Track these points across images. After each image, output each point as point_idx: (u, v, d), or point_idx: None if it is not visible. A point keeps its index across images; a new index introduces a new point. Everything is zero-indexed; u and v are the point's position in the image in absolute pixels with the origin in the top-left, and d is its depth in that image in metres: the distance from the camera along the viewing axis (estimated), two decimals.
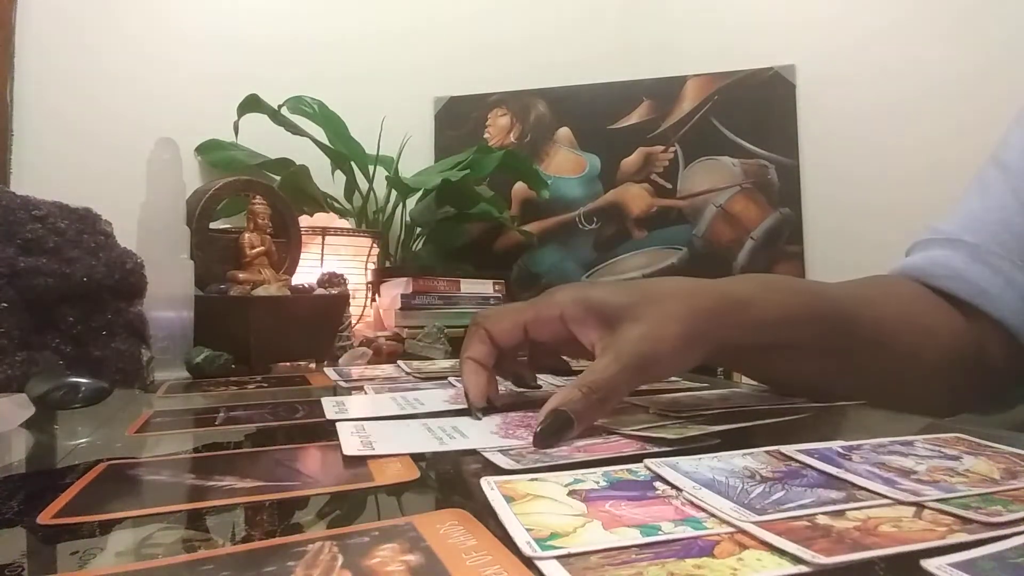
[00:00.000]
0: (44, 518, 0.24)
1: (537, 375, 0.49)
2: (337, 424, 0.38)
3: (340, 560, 0.20)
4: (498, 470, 0.29)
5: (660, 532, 0.21)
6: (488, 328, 0.42)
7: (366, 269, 1.14)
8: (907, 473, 0.27)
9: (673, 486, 0.26)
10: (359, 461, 0.31)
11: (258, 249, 0.78)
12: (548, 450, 0.32)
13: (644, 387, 0.51)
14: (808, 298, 0.43)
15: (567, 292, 0.40)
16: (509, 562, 0.19)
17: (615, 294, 0.38)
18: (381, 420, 0.40)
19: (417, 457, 0.32)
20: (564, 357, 0.49)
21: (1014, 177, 0.50)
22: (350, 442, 0.34)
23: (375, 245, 1.19)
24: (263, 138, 1.30)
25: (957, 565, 0.19)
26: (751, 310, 0.39)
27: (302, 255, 0.86)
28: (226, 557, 0.21)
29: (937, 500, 0.24)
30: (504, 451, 0.32)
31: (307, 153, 1.27)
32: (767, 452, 0.30)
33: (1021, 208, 0.49)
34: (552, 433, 0.34)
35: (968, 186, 0.54)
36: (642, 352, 0.36)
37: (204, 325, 0.69)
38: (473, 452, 0.33)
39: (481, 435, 0.36)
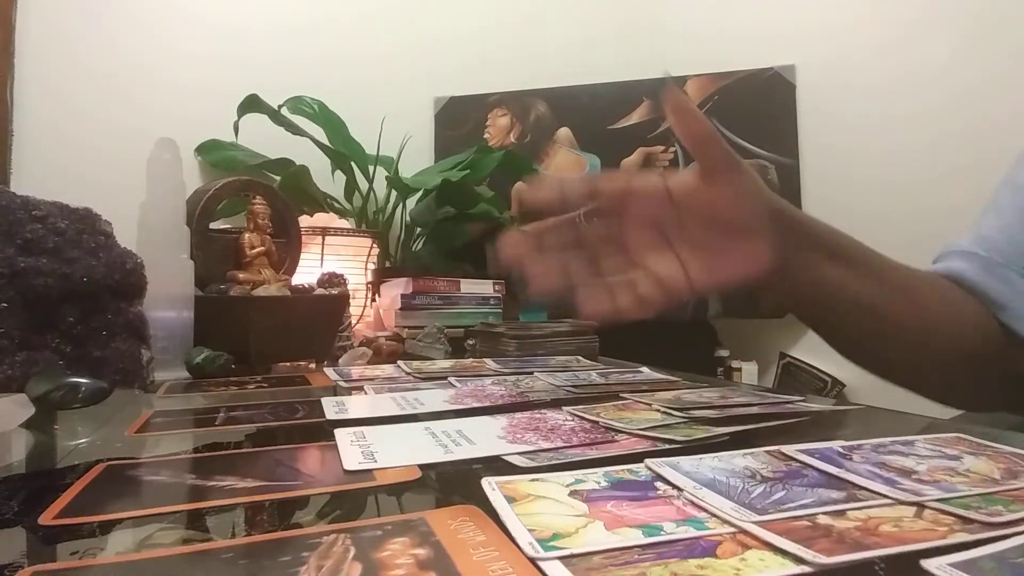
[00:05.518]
0: (46, 518, 0.24)
1: None
2: (335, 432, 0.36)
3: (352, 552, 0.20)
4: (500, 469, 0.29)
5: (662, 532, 0.21)
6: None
7: (366, 269, 1.14)
8: (908, 473, 0.27)
9: (674, 486, 0.26)
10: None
11: (258, 249, 0.78)
12: (560, 451, 0.32)
13: (646, 387, 0.51)
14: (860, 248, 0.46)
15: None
16: (515, 558, 0.20)
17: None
18: (382, 425, 0.39)
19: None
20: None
21: None
22: (350, 454, 0.32)
23: (375, 245, 1.19)
24: (263, 138, 1.30)
25: (957, 565, 0.19)
26: (802, 216, 0.44)
27: (302, 255, 0.86)
28: (244, 546, 0.21)
29: (938, 500, 0.24)
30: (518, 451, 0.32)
31: (307, 153, 1.27)
32: (768, 452, 0.30)
33: None
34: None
35: (984, 208, 0.55)
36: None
37: (204, 325, 0.68)
38: (479, 459, 0.32)
39: (488, 440, 0.34)
